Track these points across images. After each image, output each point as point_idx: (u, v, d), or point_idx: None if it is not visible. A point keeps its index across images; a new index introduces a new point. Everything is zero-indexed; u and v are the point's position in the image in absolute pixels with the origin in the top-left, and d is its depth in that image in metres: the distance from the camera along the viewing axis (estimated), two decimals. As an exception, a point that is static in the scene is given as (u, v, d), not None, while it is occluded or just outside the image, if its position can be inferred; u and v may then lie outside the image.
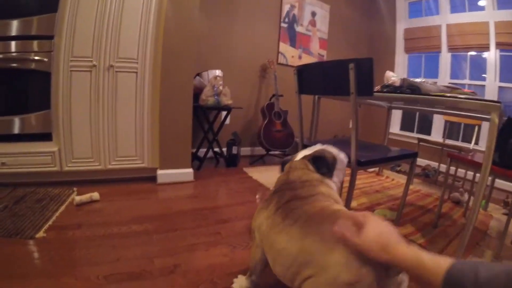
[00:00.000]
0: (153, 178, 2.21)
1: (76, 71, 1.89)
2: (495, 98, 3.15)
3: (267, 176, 2.64)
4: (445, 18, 3.64)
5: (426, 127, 4.01)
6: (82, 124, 1.95)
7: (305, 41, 3.88)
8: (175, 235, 1.47)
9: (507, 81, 3.15)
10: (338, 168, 1.04)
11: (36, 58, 1.83)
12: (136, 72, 2.04)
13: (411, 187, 2.51)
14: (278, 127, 3.16)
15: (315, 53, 4.02)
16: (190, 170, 2.35)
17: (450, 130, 3.33)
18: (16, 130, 1.87)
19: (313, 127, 2.35)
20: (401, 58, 4.24)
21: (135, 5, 1.98)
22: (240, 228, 1.61)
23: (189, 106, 2.27)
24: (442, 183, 1.98)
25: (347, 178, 1.30)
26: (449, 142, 3.20)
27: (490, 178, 2.01)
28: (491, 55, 3.21)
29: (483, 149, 1.34)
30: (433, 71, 3.86)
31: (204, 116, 2.80)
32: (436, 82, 1.68)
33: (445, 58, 3.69)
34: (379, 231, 0.66)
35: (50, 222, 1.45)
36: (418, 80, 1.63)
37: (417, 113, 4.12)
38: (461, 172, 2.62)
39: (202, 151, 2.85)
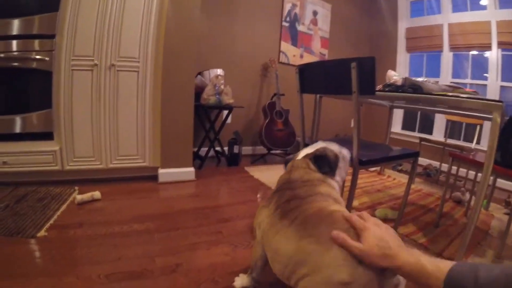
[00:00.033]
0: (154, 177, 2.21)
1: (78, 70, 1.89)
2: (497, 98, 3.14)
3: (269, 175, 2.64)
4: (447, 17, 3.63)
5: (427, 127, 4.00)
6: (83, 123, 1.95)
7: (307, 40, 3.87)
8: (177, 234, 1.47)
9: (509, 80, 3.14)
10: (340, 166, 1.04)
11: (38, 57, 1.83)
12: (138, 71, 2.04)
13: (412, 186, 2.50)
14: (279, 126, 3.16)
15: (317, 52, 4.01)
16: (192, 169, 2.35)
17: (452, 129, 3.32)
18: (17, 129, 1.87)
19: (314, 126, 2.35)
20: (402, 57, 4.23)
21: (136, 6, 1.98)
22: (242, 227, 1.61)
23: (190, 105, 2.27)
24: (444, 182, 1.98)
25: (349, 177, 1.30)
26: (451, 141, 3.19)
27: (491, 177, 2.01)
28: (493, 55, 3.20)
29: (485, 148, 1.34)
30: (434, 71, 3.85)
31: (206, 115, 2.80)
32: (437, 82, 1.68)
33: (447, 57, 3.69)
34: (379, 236, 0.65)
35: (51, 221, 1.45)
36: (420, 79, 1.63)
37: (419, 113, 4.12)
38: (462, 171, 2.61)
39: (203, 150, 2.85)
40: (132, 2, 1.96)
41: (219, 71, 2.82)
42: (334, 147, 1.07)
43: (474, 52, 3.47)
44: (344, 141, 1.33)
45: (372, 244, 0.64)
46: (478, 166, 1.72)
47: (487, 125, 2.74)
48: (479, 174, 1.77)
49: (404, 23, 4.18)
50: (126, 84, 2.03)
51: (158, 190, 2.10)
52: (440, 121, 3.76)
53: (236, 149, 2.90)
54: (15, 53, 1.79)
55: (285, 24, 3.61)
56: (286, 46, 3.67)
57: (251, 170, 2.80)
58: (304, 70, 1.59)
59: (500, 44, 3.14)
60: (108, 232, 1.42)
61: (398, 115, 4.29)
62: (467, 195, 2.20)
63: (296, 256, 0.73)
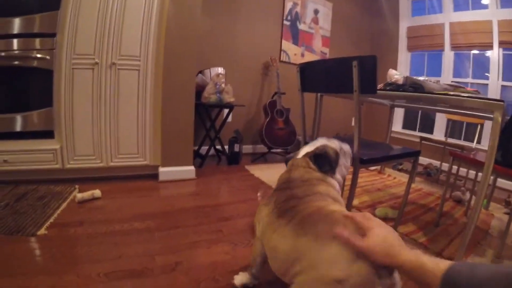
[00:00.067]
0: (155, 176, 2.22)
1: (78, 69, 1.89)
2: (498, 97, 3.13)
3: (269, 174, 2.64)
4: (448, 17, 3.62)
5: (428, 126, 4.00)
6: (84, 122, 1.95)
7: (308, 39, 3.87)
8: (177, 233, 1.47)
9: (510, 80, 3.14)
10: (341, 164, 1.03)
11: (38, 56, 1.83)
12: (138, 70, 2.04)
13: (413, 185, 2.50)
14: (280, 125, 3.16)
15: (318, 51, 4.00)
16: (192, 168, 2.35)
17: (453, 128, 3.32)
18: (18, 127, 1.87)
19: (315, 125, 2.35)
20: (404, 56, 4.22)
21: (137, 4, 1.98)
22: (242, 226, 1.61)
23: (191, 104, 2.27)
24: (444, 182, 1.98)
25: (349, 176, 1.30)
26: (451, 140, 3.19)
27: (492, 177, 2.00)
28: (494, 54, 3.19)
29: (485, 148, 1.34)
30: (436, 70, 3.84)
31: (206, 114, 2.80)
32: (439, 81, 1.67)
33: (448, 56, 3.68)
34: (384, 236, 0.66)
35: (51, 220, 1.45)
36: (421, 78, 1.62)
37: (420, 112, 4.11)
38: (463, 171, 2.61)
39: (204, 149, 2.85)
40: (133, 1, 1.96)
41: (220, 70, 2.82)
42: (334, 144, 1.07)
43: (475, 52, 3.47)
44: (345, 140, 1.33)
45: (376, 242, 0.65)
46: (478, 165, 1.71)
47: (488, 124, 2.73)
48: (480, 174, 1.77)
49: (405, 22, 4.17)
50: (127, 83, 2.02)
51: (159, 188, 2.10)
52: (440, 120, 3.76)
53: (236, 148, 2.90)
54: (16, 52, 1.79)
55: (286, 22, 3.60)
56: (287, 45, 3.66)
57: (251, 168, 2.80)
58: (305, 69, 1.59)
59: (502, 44, 3.13)
60: (109, 231, 1.43)
61: (398, 114, 4.29)
62: (468, 195, 2.20)
63: (293, 253, 0.74)
